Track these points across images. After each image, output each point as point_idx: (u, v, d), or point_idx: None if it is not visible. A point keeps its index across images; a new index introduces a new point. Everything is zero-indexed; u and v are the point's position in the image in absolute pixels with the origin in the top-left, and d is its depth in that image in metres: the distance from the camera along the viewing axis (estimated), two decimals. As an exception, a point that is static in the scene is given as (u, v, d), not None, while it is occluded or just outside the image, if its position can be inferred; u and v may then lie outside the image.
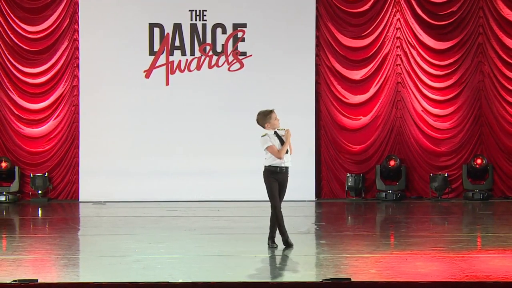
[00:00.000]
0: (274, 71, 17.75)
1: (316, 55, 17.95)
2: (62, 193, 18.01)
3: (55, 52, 17.91)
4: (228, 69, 17.86)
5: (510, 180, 17.90)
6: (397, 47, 17.99)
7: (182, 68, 17.82)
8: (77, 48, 17.89)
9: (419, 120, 17.99)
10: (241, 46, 17.86)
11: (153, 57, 17.81)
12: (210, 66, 17.84)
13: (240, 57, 17.84)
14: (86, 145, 17.80)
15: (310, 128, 17.79)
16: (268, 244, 11.21)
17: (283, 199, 11.28)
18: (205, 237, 12.46)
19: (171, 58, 17.84)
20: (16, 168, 17.80)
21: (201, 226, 13.94)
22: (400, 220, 15.17)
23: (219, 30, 17.82)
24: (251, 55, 17.85)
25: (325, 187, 18.12)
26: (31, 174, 17.77)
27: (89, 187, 17.70)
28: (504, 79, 17.87)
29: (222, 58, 17.85)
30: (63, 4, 17.88)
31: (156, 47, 17.82)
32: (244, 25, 17.85)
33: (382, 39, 17.95)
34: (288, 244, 11.15)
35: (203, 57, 17.85)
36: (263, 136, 11.14)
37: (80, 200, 17.77)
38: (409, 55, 17.96)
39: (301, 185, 16.86)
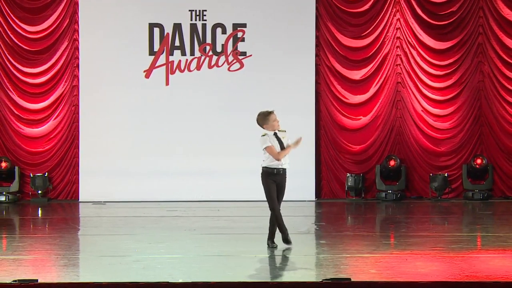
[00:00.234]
0: (274, 71, 17.74)
1: (316, 55, 17.94)
2: (62, 193, 18.00)
3: (55, 52, 17.91)
4: (228, 69, 17.85)
5: (510, 180, 17.89)
6: (397, 47, 17.98)
7: (182, 68, 17.82)
8: (77, 48, 17.88)
9: (419, 120, 17.98)
10: (241, 46, 17.85)
11: (153, 57, 17.80)
12: (210, 66, 17.83)
13: (240, 57, 17.83)
14: (86, 145, 17.79)
15: (310, 128, 17.77)
16: (268, 244, 11.21)
17: (283, 200, 11.27)
18: (205, 237, 12.45)
19: (171, 58, 17.83)
20: (16, 168, 17.79)
21: (201, 226, 13.94)
22: (400, 220, 15.16)
23: (219, 30, 17.81)
24: (251, 55, 17.84)
25: (325, 187, 18.11)
26: (31, 174, 17.77)
27: (89, 187, 17.70)
28: (504, 79, 17.87)
29: (222, 58, 17.85)
30: (63, 4, 17.87)
31: (156, 47, 17.82)
32: (244, 25, 17.85)
33: (382, 39, 17.94)
34: (287, 242, 11.13)
35: (203, 57, 17.85)
36: (263, 136, 11.12)
37: (80, 200, 17.76)
38: (409, 55, 17.95)
39: (301, 185, 16.87)
